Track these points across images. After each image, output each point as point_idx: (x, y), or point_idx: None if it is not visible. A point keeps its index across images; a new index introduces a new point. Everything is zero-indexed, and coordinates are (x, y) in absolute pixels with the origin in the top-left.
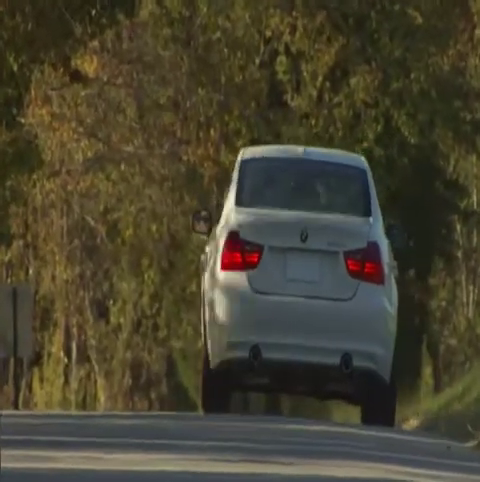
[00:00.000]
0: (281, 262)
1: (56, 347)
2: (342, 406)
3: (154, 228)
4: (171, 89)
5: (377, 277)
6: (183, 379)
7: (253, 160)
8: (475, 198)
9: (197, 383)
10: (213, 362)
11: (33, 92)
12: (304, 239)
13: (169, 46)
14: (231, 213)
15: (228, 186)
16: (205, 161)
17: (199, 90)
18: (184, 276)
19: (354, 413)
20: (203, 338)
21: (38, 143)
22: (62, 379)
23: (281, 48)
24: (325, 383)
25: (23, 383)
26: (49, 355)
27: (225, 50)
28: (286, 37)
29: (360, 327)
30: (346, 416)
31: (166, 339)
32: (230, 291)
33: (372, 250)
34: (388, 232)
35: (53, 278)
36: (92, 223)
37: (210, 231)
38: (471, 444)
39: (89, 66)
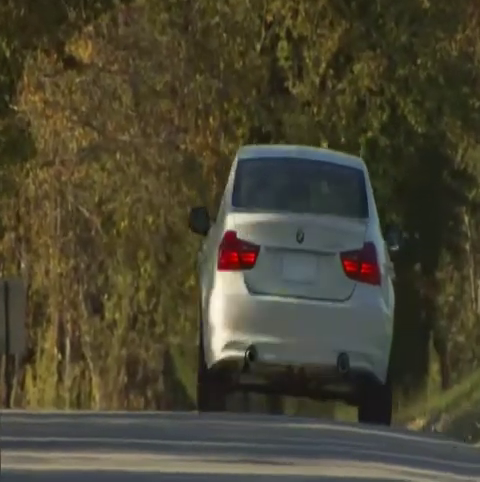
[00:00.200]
0: (278, 262)
1: (49, 343)
2: (344, 405)
3: (150, 220)
4: (168, 75)
5: (373, 278)
6: (181, 376)
7: (250, 160)
8: None
9: (194, 379)
10: (209, 362)
11: (26, 79)
12: (300, 240)
13: (166, 31)
14: (228, 213)
15: (225, 185)
16: (204, 150)
17: (197, 77)
18: (182, 270)
19: (357, 413)
20: (199, 337)
21: (31, 131)
22: (55, 376)
23: (282, 33)
24: (322, 383)
25: (15, 381)
26: (42, 352)
27: (224, 35)
28: (288, 22)
29: (356, 328)
30: (348, 415)
31: (163, 335)
32: (227, 291)
33: (368, 251)
34: (385, 233)
35: (46, 272)
36: (86, 215)
37: (207, 230)
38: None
39: (83, 52)
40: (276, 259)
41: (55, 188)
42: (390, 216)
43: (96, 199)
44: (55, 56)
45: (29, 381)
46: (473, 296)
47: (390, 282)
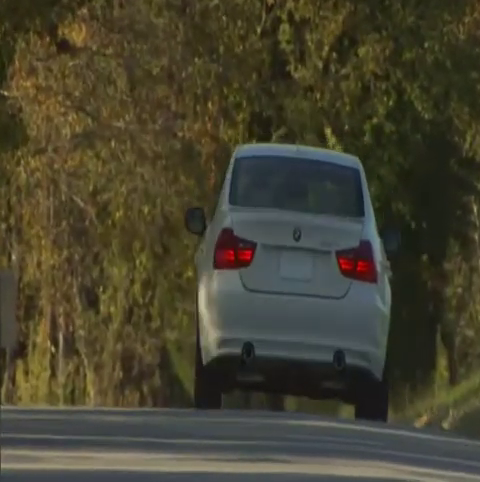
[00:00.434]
0: (274, 260)
1: (42, 337)
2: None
3: (147, 210)
4: (165, 59)
5: (370, 275)
6: (177, 371)
7: (247, 158)
8: None
9: (192, 375)
10: (206, 359)
11: (17, 63)
12: (297, 238)
13: (163, 13)
14: (225, 211)
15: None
16: (202, 137)
17: (196, 61)
18: (179, 261)
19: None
20: (197, 334)
21: (23, 117)
22: (48, 372)
23: (284, 16)
24: (318, 381)
25: (6, 376)
26: (34, 346)
27: (224, 18)
28: (289, 4)
29: (353, 325)
30: (352, 413)
31: (159, 329)
32: (223, 288)
33: (365, 249)
34: (382, 234)
35: (38, 264)
36: (80, 204)
37: (204, 229)
38: None
39: (77, 35)
40: (273, 257)
41: (48, 176)
42: (396, 205)
43: (90, 188)
44: (48, 39)
45: (21, 376)
46: None
47: (386, 280)
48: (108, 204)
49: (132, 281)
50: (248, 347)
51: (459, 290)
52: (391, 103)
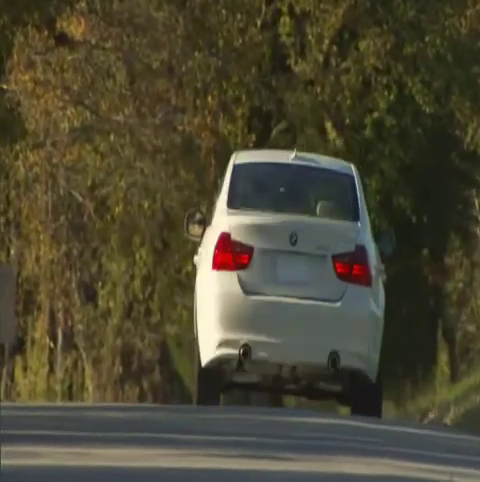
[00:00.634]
0: (271, 264)
1: (40, 333)
2: None
3: (146, 204)
4: (165, 53)
5: (364, 279)
6: (177, 367)
7: (245, 164)
8: None
9: (192, 370)
10: (204, 360)
11: (15, 56)
12: (294, 242)
13: (163, 7)
14: (223, 215)
15: (219, 189)
16: (202, 131)
17: (195, 54)
18: (179, 256)
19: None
20: (196, 337)
21: (21, 111)
22: (47, 367)
23: (284, 8)
24: (313, 382)
25: (4, 372)
26: (33, 341)
27: (223, 11)
28: None
29: (347, 327)
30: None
31: (159, 324)
32: (221, 291)
33: (360, 253)
34: (377, 238)
35: (37, 258)
36: (79, 199)
37: (202, 234)
38: None
39: (76, 28)
40: (270, 260)
41: (46, 171)
42: (397, 199)
43: (89, 183)
44: (46, 33)
45: (19, 372)
46: None
47: (381, 284)
48: (107, 199)
49: (131, 276)
50: (246, 348)
51: (460, 285)
52: (392, 97)
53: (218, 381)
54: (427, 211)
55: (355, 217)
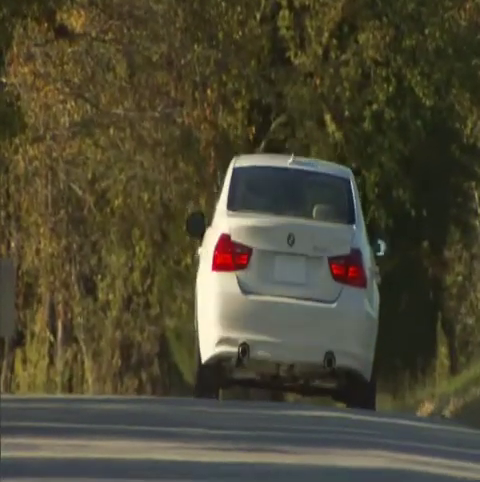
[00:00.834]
0: (269, 264)
1: (40, 326)
2: None
3: (146, 197)
4: (164, 46)
5: (360, 281)
6: (177, 360)
7: (244, 168)
8: None
9: (191, 364)
10: (204, 357)
11: (15, 49)
12: (291, 243)
13: None
14: (223, 217)
15: (219, 191)
16: (201, 124)
17: (195, 47)
18: (178, 249)
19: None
20: (196, 334)
21: (20, 105)
22: (46, 360)
23: (284, 1)
24: (310, 380)
25: (4, 364)
26: (32, 334)
27: (223, 4)
28: None
29: (343, 328)
30: None
31: (158, 317)
32: (221, 290)
33: (355, 256)
34: (372, 240)
35: (37, 252)
36: (79, 192)
37: (203, 235)
38: None
39: (76, 21)
40: (268, 261)
41: (46, 164)
42: (397, 192)
43: (89, 176)
44: (46, 25)
45: (19, 365)
46: None
47: (375, 285)
48: (107, 192)
49: (131, 269)
50: (244, 346)
51: (460, 278)
52: (391, 89)
53: (218, 377)
54: (427, 204)
55: (351, 220)
